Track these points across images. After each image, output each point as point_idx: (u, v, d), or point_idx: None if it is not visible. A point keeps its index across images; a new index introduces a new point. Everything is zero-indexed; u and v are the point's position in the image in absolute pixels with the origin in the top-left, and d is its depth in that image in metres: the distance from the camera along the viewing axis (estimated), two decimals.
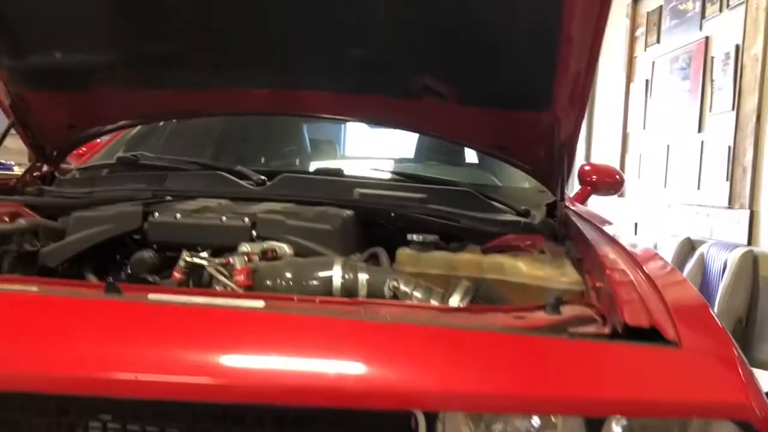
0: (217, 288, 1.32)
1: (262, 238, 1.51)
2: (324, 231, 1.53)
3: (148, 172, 2.17)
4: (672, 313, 1.05)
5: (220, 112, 2.25)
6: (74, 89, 2.03)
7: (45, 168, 2.35)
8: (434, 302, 1.31)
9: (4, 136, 2.12)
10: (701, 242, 4.86)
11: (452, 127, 2.02)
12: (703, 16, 5.14)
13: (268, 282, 1.33)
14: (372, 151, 3.53)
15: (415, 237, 1.55)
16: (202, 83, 2.01)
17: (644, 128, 6.24)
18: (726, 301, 4.20)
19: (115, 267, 1.60)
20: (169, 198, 2.00)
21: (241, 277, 1.31)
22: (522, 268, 1.48)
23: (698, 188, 5.09)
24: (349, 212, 1.79)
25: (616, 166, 6.64)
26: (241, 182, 2.10)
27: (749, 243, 4.33)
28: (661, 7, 5.90)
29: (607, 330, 1.14)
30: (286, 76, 1.95)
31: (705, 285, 4.54)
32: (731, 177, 4.60)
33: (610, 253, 1.44)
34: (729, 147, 4.63)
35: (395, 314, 1.13)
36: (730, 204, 4.59)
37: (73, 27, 1.86)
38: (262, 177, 2.12)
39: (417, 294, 1.31)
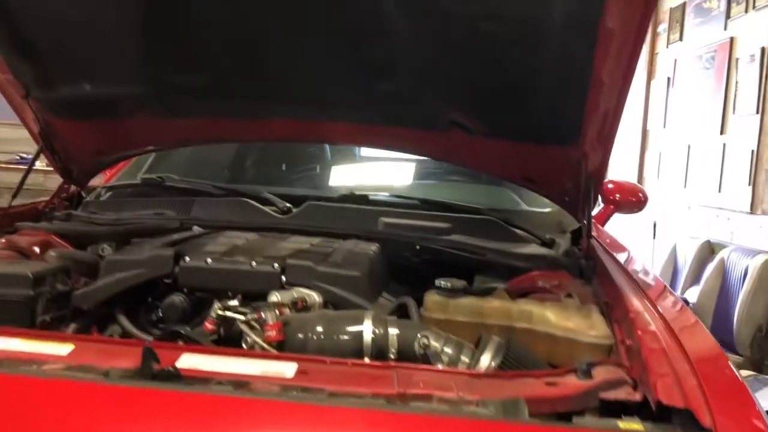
0: (242, 328, 1.33)
1: (291, 284, 1.52)
2: (352, 278, 1.54)
3: (175, 198, 2.19)
4: (705, 389, 1.06)
5: (247, 139, 2.27)
6: (103, 119, 2.05)
7: (72, 188, 2.37)
8: (465, 358, 1.31)
9: (33, 163, 2.14)
10: (721, 246, 4.84)
11: (478, 158, 2.02)
12: (728, 15, 5.07)
13: (300, 335, 1.34)
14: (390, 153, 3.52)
15: (443, 283, 1.55)
16: (230, 113, 2.02)
17: (665, 126, 6.19)
18: (747, 308, 4.19)
19: (146, 308, 1.62)
20: (196, 228, 2.03)
21: (273, 333, 1.32)
22: (551, 319, 1.48)
23: (719, 191, 5.05)
24: (375, 249, 1.79)
25: (635, 163, 6.61)
26: (267, 210, 2.11)
27: None
28: (684, 3, 5.82)
29: (638, 396, 1.15)
30: (313, 107, 1.96)
31: (724, 290, 4.53)
32: (753, 182, 4.56)
33: (637, 304, 1.45)
34: (752, 151, 4.59)
35: (427, 381, 1.14)
36: (752, 209, 4.56)
37: (104, 60, 1.87)
38: (287, 204, 2.13)
39: (447, 350, 1.32)
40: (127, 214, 2.16)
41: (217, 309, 1.38)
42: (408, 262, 1.96)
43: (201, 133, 2.14)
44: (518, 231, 2.11)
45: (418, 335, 1.33)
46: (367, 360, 1.31)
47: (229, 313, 1.37)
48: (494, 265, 1.90)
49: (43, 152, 2.14)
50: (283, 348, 1.33)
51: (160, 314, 1.56)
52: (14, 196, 2.07)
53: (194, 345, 1.33)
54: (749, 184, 4.60)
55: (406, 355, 1.32)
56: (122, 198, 2.31)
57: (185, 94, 1.95)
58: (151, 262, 1.56)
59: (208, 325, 1.40)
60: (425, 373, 1.18)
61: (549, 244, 2.11)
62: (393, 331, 1.34)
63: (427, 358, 1.31)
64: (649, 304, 1.45)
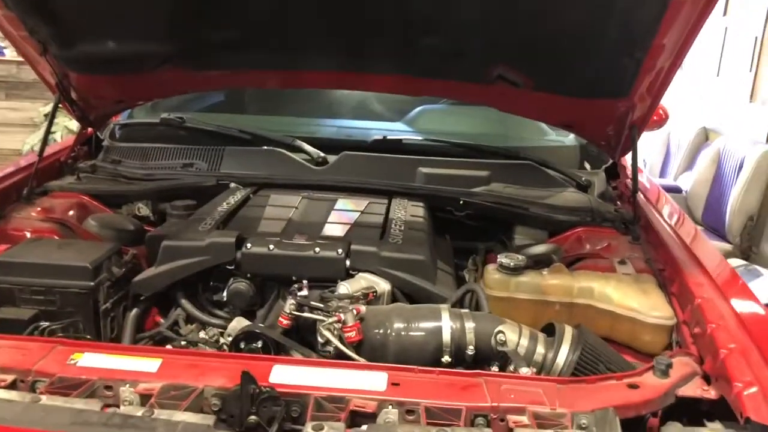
0: (326, 335, 1.34)
1: (356, 269, 1.52)
2: (416, 261, 1.54)
3: (204, 147, 2.11)
4: None
5: (281, 87, 2.17)
6: (126, 73, 1.93)
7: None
8: (541, 350, 1.35)
9: (53, 114, 2.04)
10: (717, 133, 4.87)
11: (521, 106, 1.97)
12: None
13: (378, 332, 1.36)
14: None
15: (504, 261, 1.57)
16: (263, 64, 1.91)
17: None
18: (740, 198, 4.29)
19: (206, 289, 1.62)
20: (233, 185, 1.98)
21: (353, 333, 1.34)
22: (612, 297, 1.51)
23: (717, 75, 5.01)
24: (424, 214, 1.79)
25: None
26: (302, 161, 2.06)
27: None
28: None
29: (713, 394, 1.21)
30: (352, 59, 1.87)
31: (718, 179, 4.62)
32: (756, 70, 4.51)
33: (700, 283, 1.48)
34: (756, 38, 4.50)
35: (518, 392, 1.18)
36: (752, 98, 4.55)
37: (128, 17, 1.74)
38: (321, 154, 2.08)
39: (523, 342, 1.36)
40: (155, 165, 2.10)
41: (291, 307, 1.39)
42: (450, 215, 1.96)
43: (232, 82, 2.04)
44: (554, 173, 2.11)
45: (495, 330, 1.36)
46: (446, 358, 1.35)
47: (306, 314, 1.38)
48: (537, 220, 1.92)
49: (61, 103, 2.03)
50: (361, 347, 1.36)
51: (224, 298, 1.56)
52: (41, 155, 1.98)
53: (284, 357, 1.35)
54: (750, 71, 4.56)
55: (482, 349, 1.36)
56: (144, 142, 2.22)
57: (216, 48, 1.84)
58: (213, 248, 1.54)
59: (283, 321, 1.41)
60: (513, 382, 1.22)
61: (585, 186, 2.12)
62: (469, 326, 1.36)
63: (503, 352, 1.35)
64: (708, 281, 1.48)
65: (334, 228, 1.68)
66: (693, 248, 1.64)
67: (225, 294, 1.56)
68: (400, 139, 2.17)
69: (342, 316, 1.35)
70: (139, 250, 1.78)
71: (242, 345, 1.39)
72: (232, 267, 1.55)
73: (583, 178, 2.12)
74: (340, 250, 1.53)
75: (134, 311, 1.59)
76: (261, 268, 1.54)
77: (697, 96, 5.32)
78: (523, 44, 1.70)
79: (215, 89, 2.18)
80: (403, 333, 1.36)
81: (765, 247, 4.21)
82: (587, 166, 2.34)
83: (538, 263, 1.64)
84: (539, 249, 1.80)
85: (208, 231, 1.61)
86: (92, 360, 1.26)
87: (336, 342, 1.33)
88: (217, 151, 2.10)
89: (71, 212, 1.88)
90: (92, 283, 1.52)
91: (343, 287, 1.47)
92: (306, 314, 1.38)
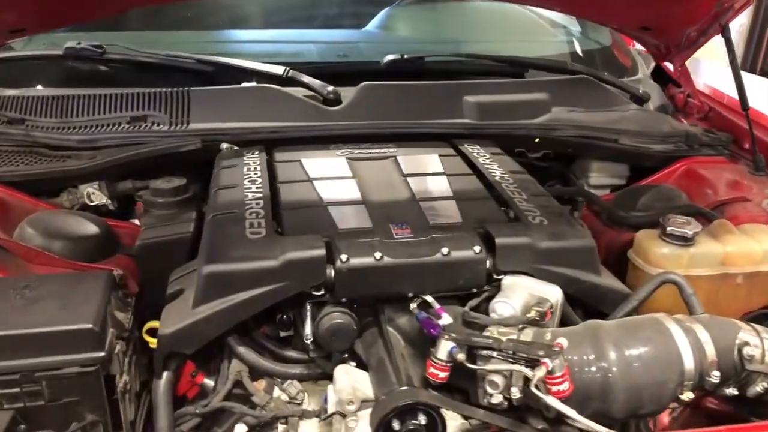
0: (546, 400, 0.87)
1: (501, 272, 1.04)
2: (583, 251, 1.08)
3: (154, 90, 1.45)
4: None
5: None
6: None
7: None
8: None
9: None
10: None
11: (600, 8, 1.53)
12: None
13: (590, 369, 0.91)
14: None
15: (675, 229, 1.16)
16: None
17: None
18: None
19: (273, 326, 1.05)
20: (225, 145, 1.37)
21: (565, 386, 0.89)
22: None
23: None
24: (514, 166, 1.32)
25: None
26: (309, 101, 1.47)
27: None
28: None
29: None
30: None
31: None
32: None
33: None
34: None
35: None
36: None
37: None
38: (329, 87, 1.49)
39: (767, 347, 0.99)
40: (84, 122, 1.41)
41: (460, 356, 0.89)
42: (520, 157, 1.51)
43: None
44: (610, 87, 1.71)
45: (737, 341, 0.97)
46: (688, 395, 0.94)
47: (490, 368, 0.89)
48: (626, 153, 1.53)
49: None
50: (570, 399, 0.91)
51: (308, 338, 1.02)
52: None
53: None
54: None
55: (724, 370, 0.97)
56: (36, 86, 1.51)
57: None
58: (294, 269, 0.97)
59: (438, 373, 0.91)
60: None
61: (644, 100, 1.75)
62: (704, 337, 0.96)
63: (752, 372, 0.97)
64: None
65: (435, 207, 1.15)
66: None
67: (310, 331, 1.01)
68: (422, 58, 1.64)
69: (549, 363, 0.88)
70: (117, 261, 1.18)
71: (397, 426, 0.89)
72: (321, 292, 1.01)
73: (641, 90, 1.75)
74: (477, 248, 1.03)
75: (165, 377, 1.00)
76: (365, 287, 1.01)
77: None
78: None
79: (169, 2, 1.49)
80: (635, 365, 0.93)
81: None
82: None
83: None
84: (652, 196, 1.42)
85: (268, 239, 1.03)
86: None
87: (566, 409, 0.86)
88: (179, 96, 1.45)
89: None
90: (104, 353, 0.92)
91: (504, 305, 0.99)
92: (488, 368, 0.89)
